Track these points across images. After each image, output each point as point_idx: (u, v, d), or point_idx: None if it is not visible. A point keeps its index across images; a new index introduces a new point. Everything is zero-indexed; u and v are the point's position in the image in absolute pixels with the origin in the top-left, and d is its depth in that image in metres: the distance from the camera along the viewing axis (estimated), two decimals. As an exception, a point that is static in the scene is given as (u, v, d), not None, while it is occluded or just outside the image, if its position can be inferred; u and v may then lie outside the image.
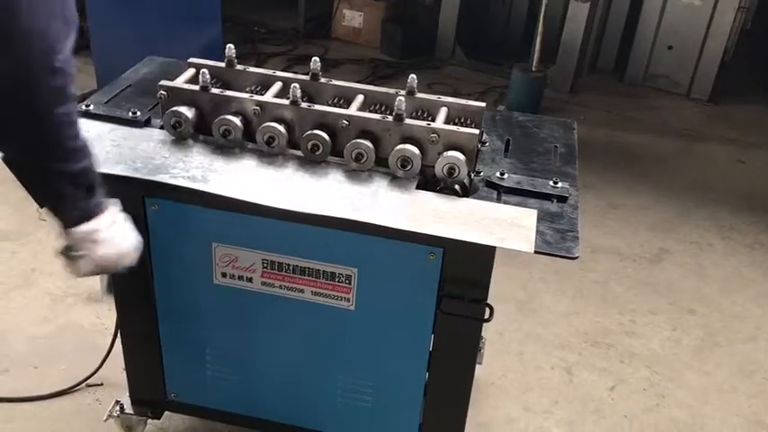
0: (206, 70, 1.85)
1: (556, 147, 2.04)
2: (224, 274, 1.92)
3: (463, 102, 1.91)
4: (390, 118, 1.78)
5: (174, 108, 1.82)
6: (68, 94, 1.32)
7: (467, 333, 1.87)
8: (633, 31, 5.54)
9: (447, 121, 1.84)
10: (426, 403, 2.01)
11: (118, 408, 2.23)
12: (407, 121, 1.77)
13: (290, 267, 1.87)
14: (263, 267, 1.89)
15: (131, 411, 2.24)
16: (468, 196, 1.75)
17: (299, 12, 6.21)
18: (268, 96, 1.85)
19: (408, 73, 1.98)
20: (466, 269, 1.76)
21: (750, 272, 3.56)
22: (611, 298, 3.28)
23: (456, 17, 5.72)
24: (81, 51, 5.12)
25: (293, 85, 1.81)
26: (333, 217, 1.64)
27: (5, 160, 1.41)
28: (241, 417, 2.20)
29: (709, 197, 4.17)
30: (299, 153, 1.81)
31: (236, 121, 1.80)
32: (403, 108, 1.77)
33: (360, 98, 1.89)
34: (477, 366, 2.08)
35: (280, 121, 1.81)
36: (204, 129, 1.86)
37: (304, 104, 1.81)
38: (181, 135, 1.85)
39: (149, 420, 2.29)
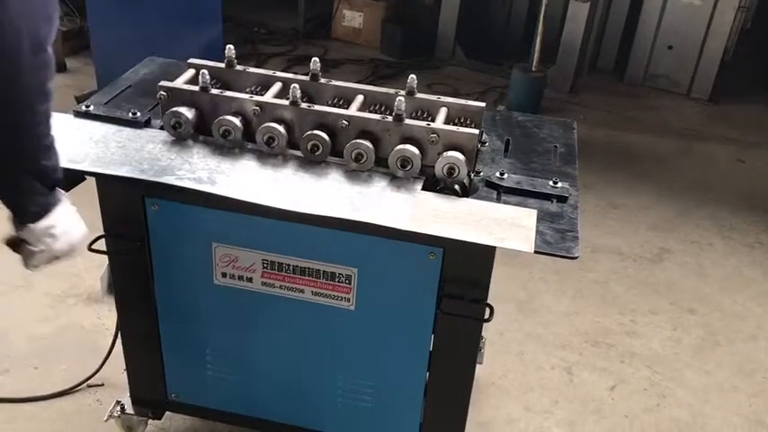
0: (206, 71, 1.85)
1: (556, 147, 2.04)
2: (224, 275, 1.92)
3: (463, 102, 1.91)
4: (390, 118, 1.78)
5: (174, 109, 1.82)
6: (49, 90, 1.34)
7: (467, 333, 1.87)
8: (633, 31, 5.54)
9: (447, 122, 1.84)
10: (427, 403, 2.01)
11: (119, 408, 2.23)
12: (407, 121, 1.77)
13: (291, 267, 1.87)
14: (264, 267, 1.89)
15: (132, 412, 2.24)
16: (467, 196, 1.75)
17: (299, 12, 6.22)
18: (268, 97, 1.85)
19: (408, 73, 1.98)
20: (466, 269, 1.76)
21: (750, 271, 3.56)
22: (611, 298, 3.28)
23: (456, 17, 5.72)
24: (81, 52, 5.15)
25: (293, 85, 1.81)
26: (333, 217, 1.64)
27: None
28: (241, 417, 2.21)
29: (709, 197, 4.17)
30: (298, 153, 1.82)
31: (236, 121, 1.81)
32: (403, 108, 1.77)
33: (359, 98, 1.89)
34: (478, 366, 2.08)
35: (279, 121, 1.81)
36: (204, 129, 1.86)
37: (304, 105, 1.81)
38: (181, 135, 1.85)
39: (150, 421, 2.30)
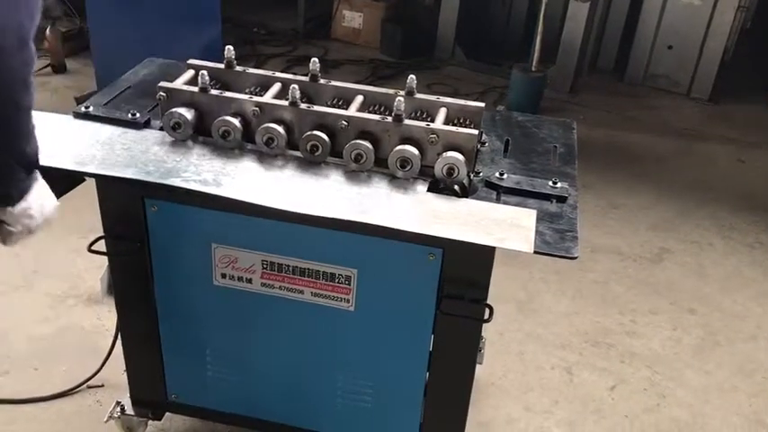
0: (205, 71, 1.85)
1: (555, 147, 2.04)
2: (224, 275, 1.92)
3: (462, 102, 1.91)
4: (390, 119, 1.78)
5: (174, 109, 1.82)
6: (31, 83, 1.40)
7: (467, 333, 1.87)
8: (633, 31, 5.55)
9: (446, 122, 1.84)
10: (427, 403, 2.01)
11: (119, 409, 2.23)
12: (407, 121, 1.77)
13: (290, 268, 1.87)
14: (263, 268, 1.89)
15: (132, 412, 2.24)
16: (467, 197, 1.75)
17: (299, 12, 6.22)
18: (267, 97, 1.85)
19: (408, 73, 1.98)
20: (465, 269, 1.76)
21: (750, 271, 3.56)
22: (611, 298, 3.28)
23: (456, 17, 5.72)
24: (81, 52, 5.15)
25: (292, 86, 1.81)
26: (332, 218, 1.63)
27: None
28: (241, 417, 2.21)
29: (709, 197, 4.17)
30: (298, 154, 1.82)
31: (236, 122, 1.81)
32: (402, 109, 1.77)
33: (359, 99, 1.89)
34: (478, 366, 2.08)
35: (279, 122, 1.81)
36: (203, 130, 1.86)
37: (303, 105, 1.81)
38: (180, 136, 1.85)
39: (150, 421, 2.30)
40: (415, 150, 1.74)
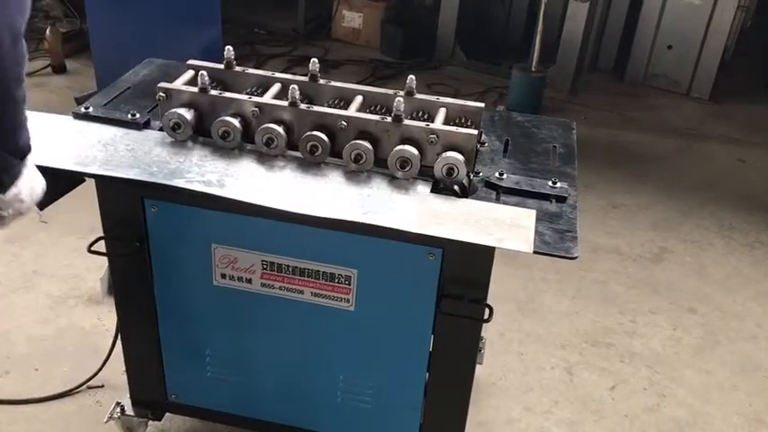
0: (205, 72, 1.85)
1: (555, 147, 2.04)
2: (223, 276, 1.92)
3: (462, 102, 1.91)
4: (389, 119, 1.78)
5: (173, 110, 1.82)
6: (24, 77, 1.42)
7: (466, 333, 1.87)
8: (633, 31, 5.54)
9: (446, 122, 1.84)
10: (426, 404, 2.01)
11: (119, 409, 2.23)
12: (406, 121, 1.77)
13: (290, 268, 1.87)
14: (263, 268, 1.89)
15: (132, 413, 2.24)
16: (467, 197, 1.75)
17: (299, 13, 6.22)
18: (267, 98, 1.85)
19: (408, 73, 1.98)
20: (465, 269, 1.76)
21: (751, 271, 3.56)
22: (611, 298, 3.28)
23: (456, 17, 5.72)
24: (81, 53, 5.16)
25: (292, 86, 1.81)
26: (332, 219, 1.64)
27: None
28: (241, 418, 2.21)
29: (709, 196, 4.17)
30: (297, 154, 1.82)
31: (235, 122, 1.81)
32: (402, 109, 1.77)
33: (359, 99, 1.89)
34: (478, 366, 2.08)
35: (279, 122, 1.81)
36: (203, 130, 1.86)
37: (303, 106, 1.81)
38: (180, 137, 1.85)
39: (150, 422, 2.30)
40: (414, 150, 1.74)
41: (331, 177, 1.77)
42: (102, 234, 1.95)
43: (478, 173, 1.84)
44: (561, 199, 1.77)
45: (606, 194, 4.09)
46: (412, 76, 1.91)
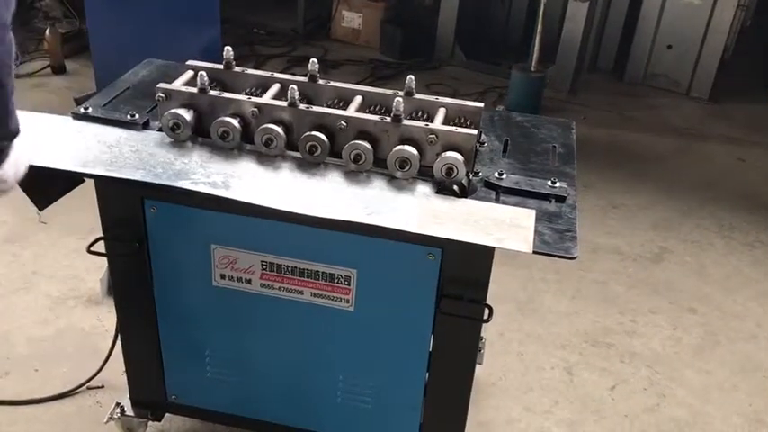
0: (204, 72, 1.85)
1: (554, 147, 2.04)
2: (223, 276, 1.92)
3: (461, 102, 1.91)
4: (388, 119, 1.78)
5: (173, 110, 1.82)
6: (12, 65, 1.47)
7: (466, 333, 1.87)
8: (633, 31, 5.54)
9: (445, 122, 1.84)
10: (426, 404, 2.01)
11: (118, 410, 2.23)
12: (405, 122, 1.77)
13: (289, 269, 1.87)
14: (263, 269, 1.89)
15: (132, 413, 2.24)
16: (466, 197, 1.75)
17: (298, 13, 6.22)
18: (266, 98, 1.85)
19: (407, 74, 1.98)
20: (465, 269, 1.76)
21: (751, 270, 3.56)
22: (611, 297, 3.28)
23: (455, 17, 5.72)
24: (80, 53, 5.16)
25: (291, 86, 1.81)
26: (332, 219, 1.63)
27: None
28: (241, 418, 2.21)
29: (709, 196, 4.17)
30: (297, 154, 1.81)
31: (235, 122, 1.80)
32: (401, 109, 1.77)
33: (358, 99, 1.89)
34: (478, 366, 2.08)
35: (278, 122, 1.81)
36: (202, 131, 1.86)
37: (302, 106, 1.81)
38: (179, 137, 1.85)
39: (150, 422, 2.30)
40: (414, 150, 1.73)
41: (330, 177, 1.77)
42: (101, 235, 1.95)
43: (478, 173, 1.84)
44: (561, 199, 1.77)
45: (606, 194, 4.09)
46: (411, 77, 1.91)
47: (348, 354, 2.00)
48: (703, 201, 4.11)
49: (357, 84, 2.02)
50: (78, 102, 2.08)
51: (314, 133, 1.77)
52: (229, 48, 1.97)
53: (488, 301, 1.79)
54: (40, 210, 1.97)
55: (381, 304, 1.88)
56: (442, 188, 1.75)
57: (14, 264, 3.19)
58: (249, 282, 1.92)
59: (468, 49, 5.79)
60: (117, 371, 2.40)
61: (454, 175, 1.73)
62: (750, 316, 3.24)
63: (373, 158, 1.77)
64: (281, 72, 2.03)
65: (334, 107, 1.87)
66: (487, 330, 2.67)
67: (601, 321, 3.12)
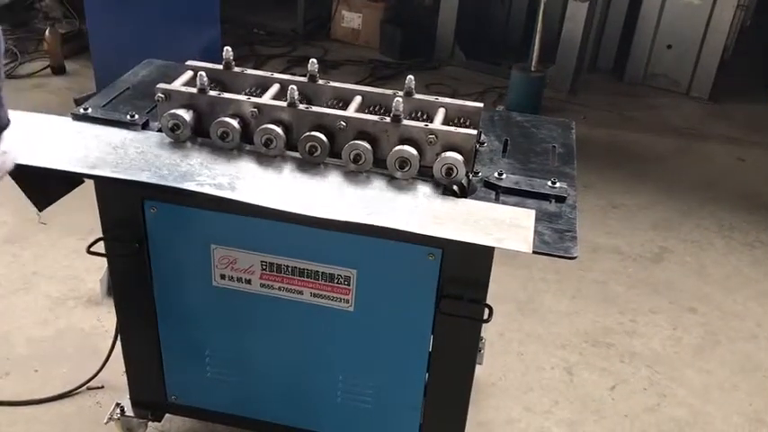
0: (204, 72, 1.85)
1: (554, 147, 2.04)
2: (223, 276, 1.92)
3: (461, 102, 1.91)
4: (388, 119, 1.78)
5: (172, 111, 1.82)
6: (2, 61, 1.46)
7: (466, 333, 1.87)
8: (632, 31, 5.54)
9: (445, 122, 1.84)
10: (426, 404, 2.01)
11: (118, 410, 2.23)
12: (405, 122, 1.77)
13: (289, 269, 1.87)
14: (262, 269, 1.89)
15: (132, 414, 2.24)
16: (466, 197, 1.75)
17: (298, 13, 6.22)
18: (266, 98, 1.85)
19: (407, 74, 1.98)
20: (465, 270, 1.76)
21: (751, 270, 3.55)
22: (611, 297, 3.28)
23: (455, 18, 5.72)
24: (80, 54, 5.16)
25: (290, 86, 1.81)
26: (332, 219, 1.63)
27: None
28: (241, 418, 2.21)
29: (709, 196, 4.17)
30: (297, 155, 1.81)
31: (234, 123, 1.80)
32: (401, 109, 1.77)
33: (358, 99, 1.89)
34: (478, 366, 2.08)
35: (278, 122, 1.81)
36: (202, 131, 1.86)
37: (302, 106, 1.81)
38: (179, 138, 1.85)
39: (150, 423, 2.30)
40: (413, 151, 1.73)
41: (330, 178, 1.77)
42: (101, 235, 1.95)
43: (478, 173, 1.84)
44: (560, 199, 1.77)
45: (606, 194, 4.09)
46: (411, 77, 1.91)
47: (348, 354, 2.00)
48: (703, 201, 4.11)
49: (357, 84, 2.03)
50: (78, 102, 2.09)
51: (314, 133, 1.77)
52: (229, 48, 1.97)
53: (488, 301, 1.79)
54: (40, 210, 1.97)
55: (381, 304, 1.88)
56: (442, 188, 1.75)
57: (14, 264, 3.19)
58: (249, 282, 1.91)
59: (468, 49, 5.79)
60: (117, 371, 2.40)
61: (454, 175, 1.73)
62: (750, 316, 3.24)
63: (373, 158, 1.77)
64: (280, 72, 2.03)
65: (333, 107, 1.87)
66: (487, 330, 2.67)
67: (601, 321, 3.12)
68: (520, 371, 2.82)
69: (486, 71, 5.64)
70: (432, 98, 1.91)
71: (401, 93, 1.89)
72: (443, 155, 1.73)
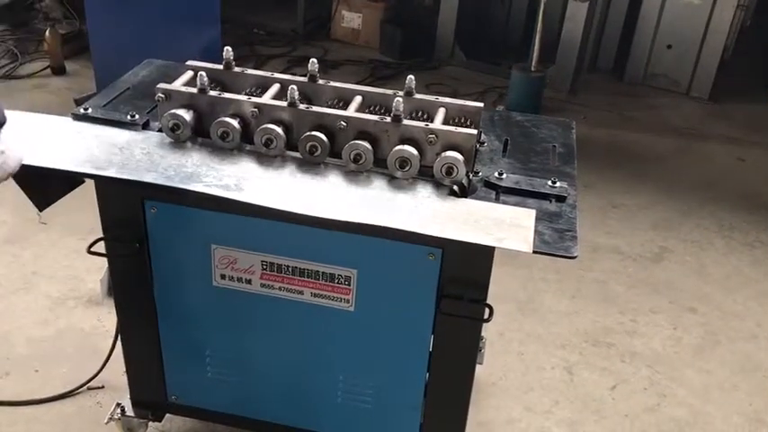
0: (204, 73, 1.85)
1: (554, 146, 2.04)
2: (223, 276, 1.92)
3: (461, 102, 1.91)
4: (388, 119, 1.78)
5: (173, 111, 1.82)
6: None
7: (466, 333, 1.87)
8: (632, 30, 5.54)
9: (445, 122, 1.84)
10: (427, 404, 2.01)
11: (119, 410, 2.23)
12: (405, 121, 1.77)
13: (290, 269, 1.87)
14: (263, 269, 1.89)
15: (132, 414, 2.24)
16: (466, 196, 1.75)
17: (298, 13, 6.22)
18: (266, 98, 1.85)
19: (407, 74, 1.98)
20: (465, 269, 1.76)
21: (751, 270, 3.55)
22: (611, 297, 3.28)
23: (455, 17, 5.72)
24: (80, 54, 5.16)
25: (291, 86, 1.81)
26: (332, 219, 1.63)
27: None
28: (241, 418, 2.21)
29: (709, 196, 4.17)
30: (297, 155, 1.81)
31: (234, 123, 1.80)
32: (401, 109, 1.77)
33: (358, 99, 1.89)
34: (478, 366, 2.08)
35: (278, 122, 1.81)
36: (202, 131, 1.86)
37: (302, 106, 1.81)
38: (179, 138, 1.85)
39: (150, 423, 2.30)
40: (413, 150, 1.73)
41: (330, 178, 1.77)
42: (101, 235, 1.95)
43: (478, 173, 1.84)
44: (561, 198, 1.77)
45: (606, 194, 4.09)
46: (411, 76, 1.91)
47: (348, 354, 2.00)
48: (703, 201, 4.11)
49: (357, 84, 2.03)
50: (78, 102, 2.09)
51: (314, 133, 1.77)
52: (229, 48, 1.97)
53: (488, 301, 1.79)
54: (40, 210, 1.97)
55: (382, 304, 1.88)
56: (443, 188, 1.75)
57: (14, 264, 3.19)
58: (249, 282, 1.92)
59: (468, 49, 5.79)
60: (117, 371, 2.40)
61: (454, 174, 1.73)
62: (750, 316, 3.24)
63: (373, 158, 1.77)
64: (280, 72, 2.03)
65: (334, 107, 1.87)
66: (488, 330, 2.67)
67: (601, 321, 3.12)
68: (520, 371, 2.83)
69: (487, 71, 5.64)
70: (432, 98, 1.91)
71: (401, 93, 1.89)
72: (444, 154, 1.73)
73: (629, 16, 5.56)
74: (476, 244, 1.59)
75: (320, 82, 1.93)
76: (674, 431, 2.62)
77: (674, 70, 5.51)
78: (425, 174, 1.77)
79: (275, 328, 2.01)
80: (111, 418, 2.23)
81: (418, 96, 1.90)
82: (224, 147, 1.83)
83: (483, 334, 2.22)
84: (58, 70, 5.08)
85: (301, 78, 1.95)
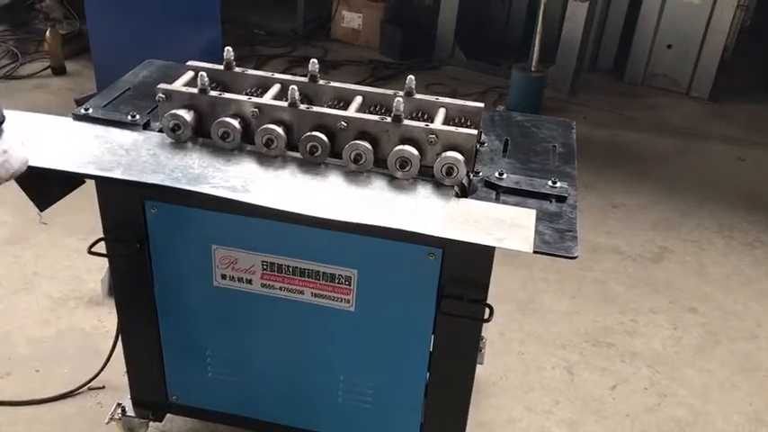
0: (204, 73, 1.85)
1: (554, 146, 2.04)
2: (224, 276, 1.93)
3: (461, 102, 1.91)
4: (389, 119, 1.78)
5: (173, 111, 1.82)
6: None
7: (467, 333, 1.87)
8: (632, 30, 5.55)
9: (445, 122, 1.84)
10: (427, 404, 2.01)
11: (120, 410, 2.23)
12: (406, 122, 1.77)
13: (290, 269, 1.87)
14: (263, 269, 1.89)
15: (133, 414, 2.25)
16: (466, 196, 1.75)
17: (298, 13, 6.23)
18: (266, 98, 1.86)
19: (407, 74, 1.98)
20: (465, 269, 1.76)
21: (751, 270, 3.56)
22: (611, 297, 3.28)
23: (455, 18, 5.72)
24: (81, 54, 5.16)
25: (291, 86, 1.82)
26: (333, 219, 1.64)
27: None
28: (242, 418, 2.21)
29: (709, 195, 4.17)
30: (297, 155, 1.82)
31: (235, 123, 1.81)
32: (401, 109, 1.77)
33: (358, 99, 1.89)
34: (478, 366, 2.08)
35: (278, 122, 1.81)
36: (203, 131, 1.86)
37: (302, 106, 1.81)
38: (180, 138, 1.85)
39: (151, 423, 2.30)
40: (414, 150, 1.74)
41: (331, 178, 1.77)
42: (102, 235, 1.95)
43: (478, 173, 1.84)
44: (561, 199, 1.77)
45: (606, 194, 4.09)
46: (411, 77, 1.91)
47: (349, 354, 2.00)
48: (703, 200, 4.11)
49: (357, 84, 2.03)
50: (79, 102, 2.09)
51: (314, 133, 1.77)
52: (230, 48, 1.97)
53: (489, 301, 1.79)
54: (41, 210, 1.97)
55: (382, 304, 1.88)
56: (443, 188, 1.75)
57: (15, 264, 3.19)
58: (250, 282, 1.92)
59: (469, 49, 5.79)
60: (118, 371, 2.40)
61: (454, 174, 1.73)
62: (750, 315, 3.24)
63: (373, 158, 1.77)
64: (281, 72, 2.03)
65: (334, 107, 1.87)
66: (488, 330, 2.67)
67: (601, 321, 3.13)
68: (520, 370, 2.83)
69: (487, 71, 5.65)
70: (432, 98, 1.91)
71: (401, 93, 1.89)
72: (444, 155, 1.73)
73: (629, 16, 5.57)
74: (476, 244, 1.59)
75: (320, 82, 1.93)
76: (675, 431, 2.62)
77: (674, 70, 5.52)
78: (426, 174, 1.77)
79: (276, 328, 2.01)
80: (111, 418, 2.23)
81: (418, 96, 1.90)
82: (224, 147, 1.84)
83: (483, 334, 2.22)
84: (59, 70, 5.08)
85: (302, 78, 1.95)
